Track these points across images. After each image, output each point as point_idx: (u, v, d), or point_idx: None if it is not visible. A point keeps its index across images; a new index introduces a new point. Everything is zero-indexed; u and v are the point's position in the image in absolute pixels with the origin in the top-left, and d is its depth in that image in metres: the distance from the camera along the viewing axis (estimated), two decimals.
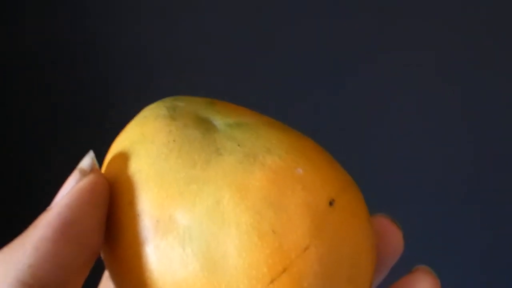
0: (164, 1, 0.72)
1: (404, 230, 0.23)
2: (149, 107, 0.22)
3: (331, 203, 0.19)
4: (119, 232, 0.20)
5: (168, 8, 0.72)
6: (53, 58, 0.74)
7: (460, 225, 0.74)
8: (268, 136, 0.20)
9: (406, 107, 0.72)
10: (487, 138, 0.72)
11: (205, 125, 0.21)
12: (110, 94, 0.75)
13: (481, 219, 0.74)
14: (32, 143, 0.77)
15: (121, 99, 0.73)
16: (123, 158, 0.21)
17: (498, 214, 0.73)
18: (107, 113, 0.73)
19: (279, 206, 0.19)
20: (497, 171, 0.72)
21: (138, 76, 0.74)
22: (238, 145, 0.20)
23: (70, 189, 0.20)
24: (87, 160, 0.21)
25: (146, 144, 0.21)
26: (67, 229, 0.19)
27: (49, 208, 0.20)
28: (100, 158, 0.21)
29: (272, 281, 0.18)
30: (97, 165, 0.21)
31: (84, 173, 0.20)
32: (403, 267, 0.23)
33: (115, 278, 0.21)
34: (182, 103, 0.22)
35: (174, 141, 0.20)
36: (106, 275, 0.26)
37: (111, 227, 0.21)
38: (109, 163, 0.22)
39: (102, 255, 0.21)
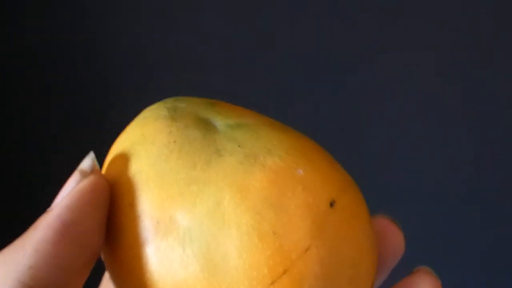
0: (164, 1, 0.72)
1: (404, 230, 0.23)
2: (150, 108, 0.22)
3: (331, 204, 0.19)
4: (119, 233, 0.20)
5: (168, 8, 0.72)
6: (53, 58, 0.74)
7: (460, 225, 0.74)
8: (268, 137, 0.20)
9: (406, 107, 0.72)
10: (487, 138, 0.72)
11: (206, 126, 0.21)
12: (110, 94, 0.75)
13: (481, 219, 0.74)
14: (32, 143, 0.77)
15: (121, 99, 0.73)
16: (124, 159, 0.21)
17: (498, 214, 0.73)
18: (107, 113, 0.73)
19: (280, 207, 0.19)
20: (497, 171, 0.72)
21: (138, 76, 0.74)
22: (239, 146, 0.20)
23: (70, 190, 0.20)
24: (88, 161, 0.21)
25: (147, 145, 0.21)
26: (68, 230, 0.19)
27: (49, 209, 0.20)
28: (100, 158, 0.21)
29: (272, 283, 0.18)
30: (97, 166, 0.21)
31: (84, 174, 0.20)
32: (403, 267, 0.23)
33: (115, 279, 0.21)
34: (183, 104, 0.22)
35: (174, 142, 0.20)
36: (106, 276, 0.26)
37: (111, 228, 0.21)
38: (110, 164, 0.22)
39: (102, 256, 0.21)
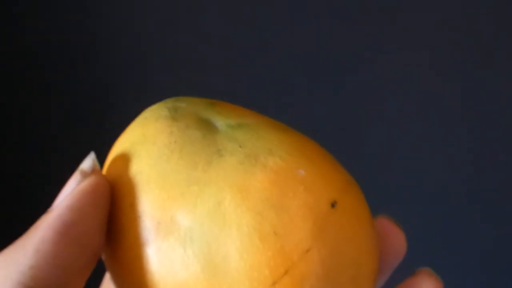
0: (164, 1, 0.72)
1: (404, 230, 0.23)
2: (150, 108, 0.22)
3: (333, 205, 0.19)
4: (120, 233, 0.20)
5: (168, 8, 0.72)
6: (53, 58, 0.74)
7: (460, 225, 0.74)
8: (269, 137, 0.20)
9: (406, 107, 0.72)
10: (487, 138, 0.72)
11: (207, 126, 0.21)
12: (110, 94, 0.75)
13: (481, 219, 0.74)
14: (32, 143, 0.77)
15: (121, 99, 0.73)
16: (124, 159, 0.21)
17: (498, 214, 0.73)
18: (107, 114, 0.73)
19: (281, 207, 0.19)
20: (497, 171, 0.72)
21: (138, 76, 0.74)
22: (240, 146, 0.20)
23: (71, 190, 0.20)
24: (88, 162, 0.21)
25: (147, 145, 0.21)
26: (68, 231, 0.19)
27: (50, 209, 0.20)
28: (100, 158, 0.21)
29: (274, 283, 0.18)
30: (98, 167, 0.21)
31: (85, 175, 0.20)
32: (403, 267, 0.23)
33: (116, 279, 0.21)
34: (183, 104, 0.22)
35: (175, 142, 0.20)
36: (107, 277, 0.26)
37: (112, 229, 0.20)
38: (110, 164, 0.22)
39: (103, 257, 0.21)
